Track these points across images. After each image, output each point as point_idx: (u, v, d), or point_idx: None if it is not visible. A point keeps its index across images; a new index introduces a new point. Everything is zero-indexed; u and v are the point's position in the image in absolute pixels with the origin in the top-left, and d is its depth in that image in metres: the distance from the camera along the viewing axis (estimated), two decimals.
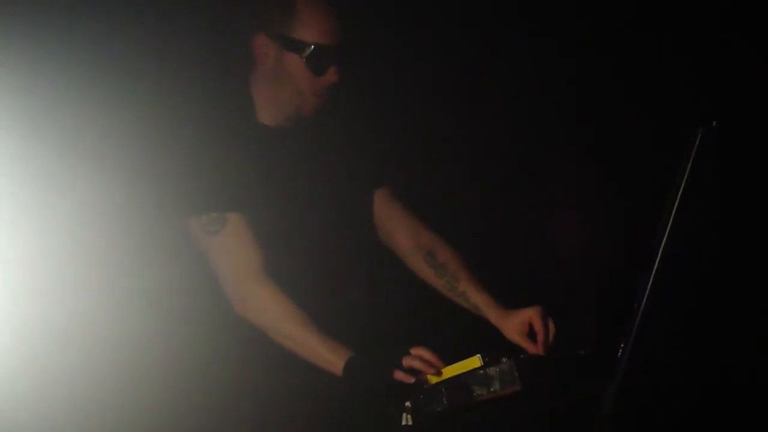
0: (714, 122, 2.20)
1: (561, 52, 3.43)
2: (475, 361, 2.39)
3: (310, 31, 2.73)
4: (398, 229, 2.91)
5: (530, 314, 2.62)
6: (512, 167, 3.56)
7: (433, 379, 2.45)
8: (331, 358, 2.58)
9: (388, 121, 3.18)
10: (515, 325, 2.65)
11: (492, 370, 2.36)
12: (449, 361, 2.46)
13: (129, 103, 3.01)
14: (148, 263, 2.97)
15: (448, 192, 3.43)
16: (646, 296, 2.27)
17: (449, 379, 2.42)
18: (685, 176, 2.21)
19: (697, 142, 2.20)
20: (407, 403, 2.42)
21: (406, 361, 2.47)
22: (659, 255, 2.25)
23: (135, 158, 2.98)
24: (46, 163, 2.89)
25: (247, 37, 2.78)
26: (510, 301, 2.75)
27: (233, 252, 2.72)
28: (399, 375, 2.46)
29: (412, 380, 2.44)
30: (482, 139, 3.52)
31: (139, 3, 3.01)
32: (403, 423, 2.42)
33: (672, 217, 2.23)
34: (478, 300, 2.77)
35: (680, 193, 2.22)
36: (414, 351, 2.48)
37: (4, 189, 2.82)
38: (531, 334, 2.64)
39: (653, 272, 2.26)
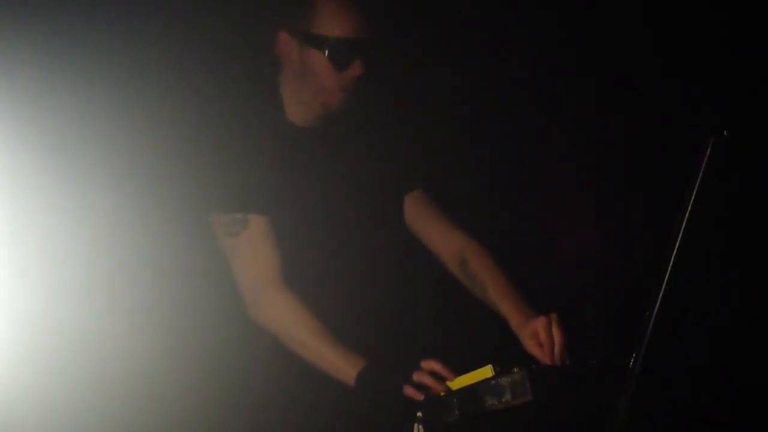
0: (725, 131, 2.20)
1: (575, 60, 3.43)
2: (486, 371, 2.38)
3: (330, 24, 2.71)
4: (431, 236, 2.88)
5: (536, 324, 2.60)
6: (522, 176, 3.56)
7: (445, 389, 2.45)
8: (343, 368, 2.57)
9: (419, 123, 3.16)
10: (527, 335, 2.63)
11: (504, 381, 2.35)
12: (462, 370, 2.46)
13: (159, 101, 3.03)
14: (166, 262, 2.99)
15: (462, 197, 3.42)
16: (657, 305, 2.26)
17: (461, 389, 2.42)
18: (697, 185, 2.21)
19: (708, 152, 2.20)
20: (419, 413, 2.41)
21: (416, 377, 2.45)
22: (671, 264, 2.25)
23: (162, 156, 3.00)
24: (67, 162, 2.91)
25: (271, 37, 2.77)
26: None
27: (251, 256, 2.71)
28: (409, 391, 2.44)
29: (422, 397, 2.43)
30: (497, 148, 3.52)
31: (163, 3, 3.03)
32: None
33: (683, 226, 2.23)
34: (503, 308, 2.73)
35: (691, 202, 2.22)
36: (424, 365, 2.46)
37: (27, 186, 2.84)
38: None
39: (665, 281, 2.26)
